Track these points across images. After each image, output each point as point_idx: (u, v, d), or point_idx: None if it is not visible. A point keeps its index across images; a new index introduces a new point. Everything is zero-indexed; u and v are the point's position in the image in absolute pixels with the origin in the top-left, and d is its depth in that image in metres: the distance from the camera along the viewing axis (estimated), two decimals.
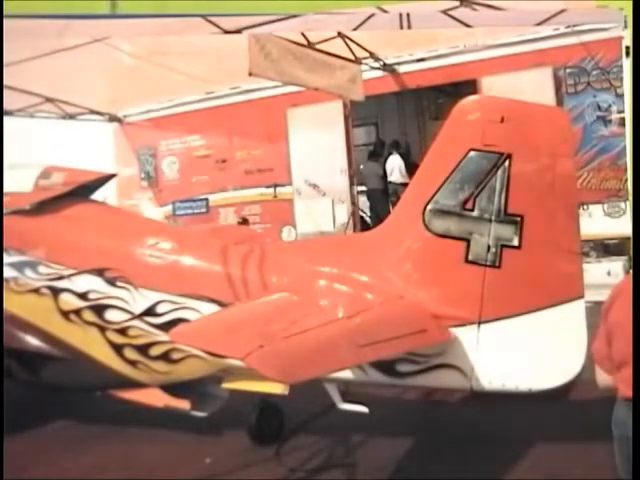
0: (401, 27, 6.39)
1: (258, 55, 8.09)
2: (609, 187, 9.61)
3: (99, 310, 5.35)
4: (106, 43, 8.68)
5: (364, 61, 10.75)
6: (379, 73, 11.33)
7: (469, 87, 9.69)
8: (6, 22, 5.28)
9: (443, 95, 12.64)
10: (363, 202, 12.41)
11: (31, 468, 5.21)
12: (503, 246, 4.40)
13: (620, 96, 9.21)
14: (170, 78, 10.86)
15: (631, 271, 3.18)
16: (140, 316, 5.22)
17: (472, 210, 4.43)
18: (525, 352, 4.44)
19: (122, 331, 5.28)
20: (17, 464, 4.60)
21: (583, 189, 9.21)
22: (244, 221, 12.25)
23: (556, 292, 4.41)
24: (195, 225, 12.23)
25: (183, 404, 5.27)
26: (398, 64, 11.29)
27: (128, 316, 5.26)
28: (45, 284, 5.52)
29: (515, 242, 4.39)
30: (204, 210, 13.12)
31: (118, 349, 5.31)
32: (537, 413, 5.33)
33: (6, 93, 8.46)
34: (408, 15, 6.34)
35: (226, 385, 5.15)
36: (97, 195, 6.28)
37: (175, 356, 5.16)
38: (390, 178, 12.56)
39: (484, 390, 4.50)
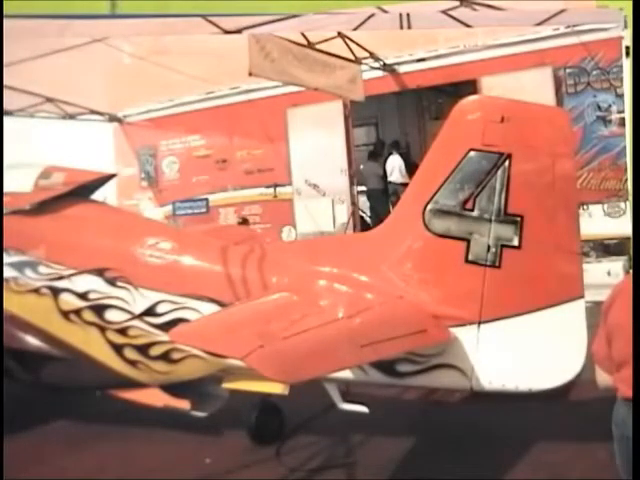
0: (401, 27, 6.38)
1: (258, 55, 8.08)
2: (609, 187, 9.60)
3: (99, 310, 5.35)
4: (106, 43, 8.67)
5: (364, 61, 10.73)
6: (379, 73, 11.31)
7: (469, 87, 9.68)
8: (6, 22, 5.28)
9: (443, 95, 12.63)
10: (363, 202, 12.39)
11: (31, 468, 5.20)
12: (503, 246, 4.40)
13: (620, 96, 9.21)
14: (170, 78, 10.84)
15: (631, 271, 3.18)
16: (140, 316, 5.23)
17: (472, 210, 4.43)
18: (525, 352, 4.45)
19: (122, 331, 5.29)
20: (17, 464, 4.59)
21: (583, 189, 9.19)
22: (244, 221, 12.24)
23: (556, 292, 4.42)
24: (195, 225, 12.24)
25: (183, 404, 5.27)
26: (398, 64, 11.27)
27: (128, 316, 5.26)
28: (45, 284, 5.52)
29: (515, 242, 4.39)
30: (204, 210, 13.10)
31: (118, 349, 5.31)
32: (537, 413, 5.34)
33: (6, 93, 8.45)
34: (408, 15, 6.33)
35: (226, 385, 5.16)
36: (97, 195, 6.28)
37: (175, 356, 5.16)
38: (390, 178, 12.55)
39: (484, 390, 4.51)
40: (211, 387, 5.31)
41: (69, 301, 5.44)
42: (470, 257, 4.44)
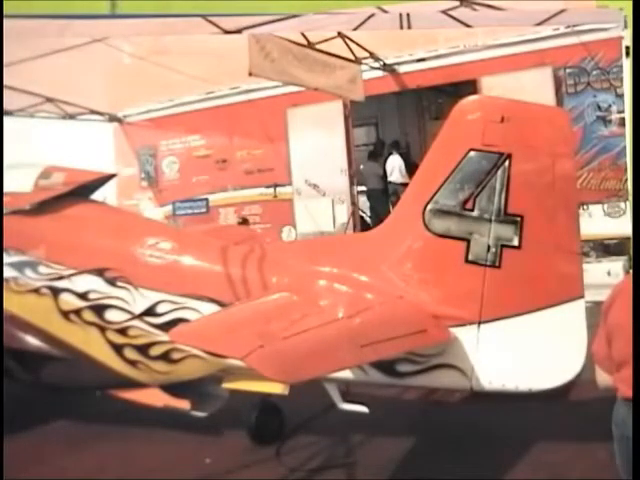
0: (401, 27, 6.38)
1: (258, 55, 8.08)
2: (609, 187, 9.60)
3: (99, 310, 5.35)
4: (106, 43, 8.66)
5: (364, 61, 10.72)
6: (379, 73, 11.31)
7: (469, 87, 9.68)
8: (6, 22, 5.29)
9: (443, 95, 12.62)
10: (363, 202, 12.39)
11: (31, 468, 5.20)
12: (503, 246, 4.40)
13: (620, 96, 9.20)
14: (170, 78, 10.84)
15: (631, 271, 3.18)
16: (140, 316, 5.23)
17: (472, 210, 4.43)
18: (525, 352, 4.45)
19: (122, 331, 5.29)
20: (17, 464, 4.59)
21: (583, 189, 9.19)
22: (244, 221, 12.24)
23: (556, 292, 4.42)
24: (195, 225, 12.24)
25: (183, 404, 5.27)
26: (398, 64, 11.27)
27: (128, 316, 5.26)
28: (45, 284, 5.52)
29: (515, 242, 4.39)
30: (204, 210, 13.09)
31: (118, 349, 5.31)
32: (537, 413, 5.33)
33: (6, 93, 8.44)
34: (408, 15, 6.33)
35: (226, 385, 5.16)
36: (97, 195, 6.27)
37: (175, 356, 5.16)
38: (390, 178, 12.55)
39: (484, 390, 4.51)
40: (211, 387, 5.31)
41: (69, 301, 5.45)
42: (470, 257, 4.44)
